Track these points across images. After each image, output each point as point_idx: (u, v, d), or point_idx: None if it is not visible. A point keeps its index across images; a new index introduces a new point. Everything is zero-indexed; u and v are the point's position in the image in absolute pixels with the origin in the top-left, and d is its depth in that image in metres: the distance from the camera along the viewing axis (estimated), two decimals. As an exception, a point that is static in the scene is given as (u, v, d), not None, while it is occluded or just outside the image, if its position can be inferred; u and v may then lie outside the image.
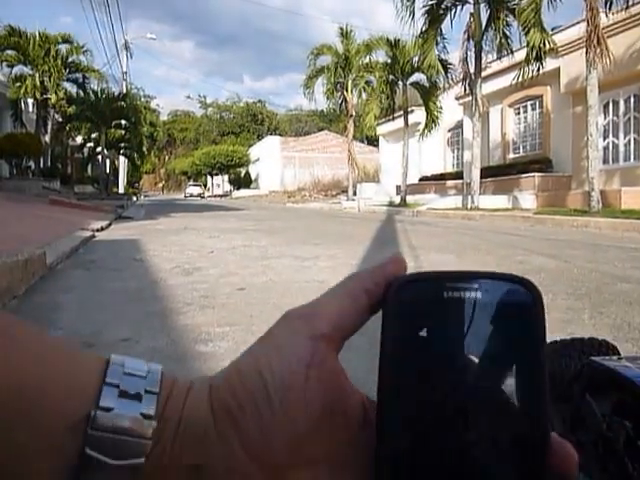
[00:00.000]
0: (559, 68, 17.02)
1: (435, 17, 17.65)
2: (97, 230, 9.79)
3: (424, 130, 22.55)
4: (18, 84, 23.92)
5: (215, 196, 60.28)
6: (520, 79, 15.47)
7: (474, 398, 0.31)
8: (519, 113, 20.74)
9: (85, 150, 33.50)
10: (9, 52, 24.52)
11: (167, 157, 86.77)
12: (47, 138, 26.34)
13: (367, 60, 25.22)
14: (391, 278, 0.34)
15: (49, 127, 26.87)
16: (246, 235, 9.51)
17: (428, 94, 22.42)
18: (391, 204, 23.03)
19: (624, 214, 11.77)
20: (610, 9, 13.22)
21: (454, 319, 0.32)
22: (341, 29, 26.43)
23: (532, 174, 17.48)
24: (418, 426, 0.31)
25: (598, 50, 12.81)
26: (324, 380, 0.31)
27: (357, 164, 27.74)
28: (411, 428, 0.31)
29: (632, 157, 15.53)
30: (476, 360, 0.31)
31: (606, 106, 16.13)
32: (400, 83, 23.51)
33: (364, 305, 0.33)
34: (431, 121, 22.44)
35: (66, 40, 26.15)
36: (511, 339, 0.31)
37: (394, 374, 0.32)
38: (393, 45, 23.25)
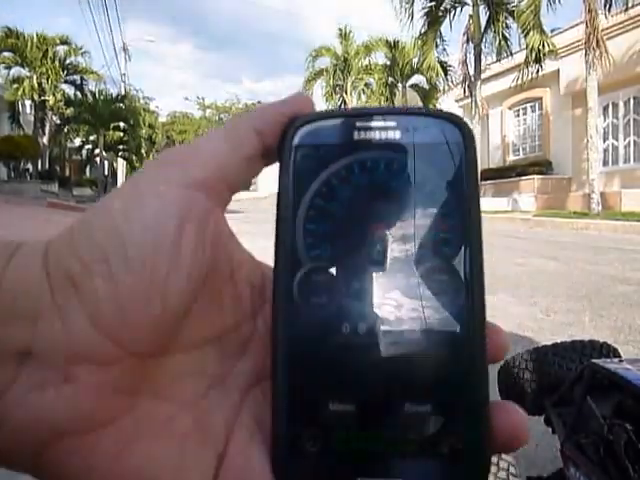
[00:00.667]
0: (558, 70, 16.99)
1: (434, 19, 17.63)
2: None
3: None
4: (15, 86, 23.80)
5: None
6: (519, 81, 15.48)
7: (394, 269, 0.27)
8: (519, 115, 20.70)
9: (83, 152, 33.59)
10: (6, 54, 24.39)
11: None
12: (45, 140, 26.24)
13: (366, 62, 25.20)
14: (289, 117, 0.28)
15: (47, 129, 26.73)
16: (244, 238, 9.43)
17: (427, 96, 22.42)
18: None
19: (624, 216, 11.75)
20: (609, 11, 13.25)
21: (367, 166, 0.28)
22: (340, 30, 26.36)
23: (532, 176, 17.45)
24: (324, 306, 0.27)
25: (597, 52, 12.84)
26: (204, 239, 0.25)
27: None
28: (315, 308, 0.27)
29: (632, 159, 15.50)
30: (398, 220, 0.27)
31: (606, 108, 16.11)
32: (399, 85, 23.52)
33: (254, 149, 0.28)
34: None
35: (64, 42, 26.03)
36: (438, 188, 0.27)
37: (292, 242, 0.27)
38: (392, 46, 23.26)
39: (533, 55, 14.92)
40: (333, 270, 0.27)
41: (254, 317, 0.29)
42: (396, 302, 0.26)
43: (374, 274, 0.27)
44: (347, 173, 0.28)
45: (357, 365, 0.26)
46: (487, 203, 17.11)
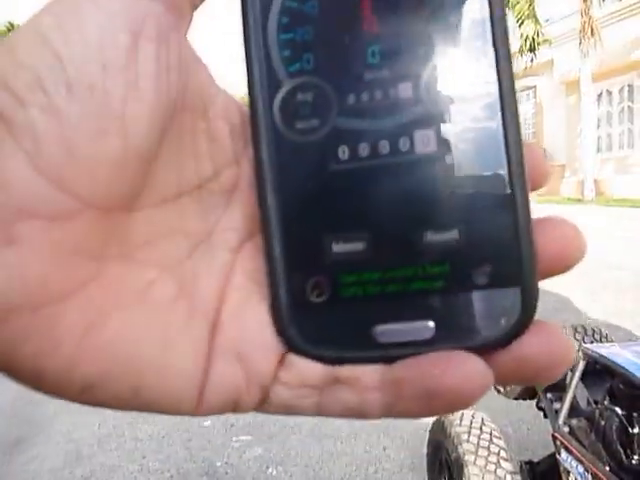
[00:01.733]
0: (552, 59, 16.99)
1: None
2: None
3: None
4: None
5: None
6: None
7: (398, 68, 0.22)
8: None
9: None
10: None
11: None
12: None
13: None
14: None
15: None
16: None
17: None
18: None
19: (617, 202, 11.81)
20: (604, 0, 13.25)
21: None
22: None
23: (525, 164, 17.48)
24: (314, 129, 0.22)
25: (592, 41, 12.84)
26: (167, 60, 0.20)
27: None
28: (303, 133, 0.22)
29: (626, 146, 15.56)
30: (407, 15, 0.22)
31: (600, 96, 16.12)
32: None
33: None
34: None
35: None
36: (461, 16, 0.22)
37: (265, 57, 0.22)
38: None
39: (527, 44, 14.91)
40: (320, 84, 0.22)
41: (237, 161, 0.23)
42: (404, 115, 0.22)
43: (372, 84, 0.22)
44: None
45: (360, 197, 0.22)
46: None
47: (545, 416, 1.87)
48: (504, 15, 0.22)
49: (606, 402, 1.51)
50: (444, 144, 0.21)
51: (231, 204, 0.23)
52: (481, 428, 1.83)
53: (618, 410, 1.46)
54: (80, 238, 0.19)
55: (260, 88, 0.22)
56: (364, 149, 0.22)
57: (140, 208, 0.21)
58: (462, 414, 1.90)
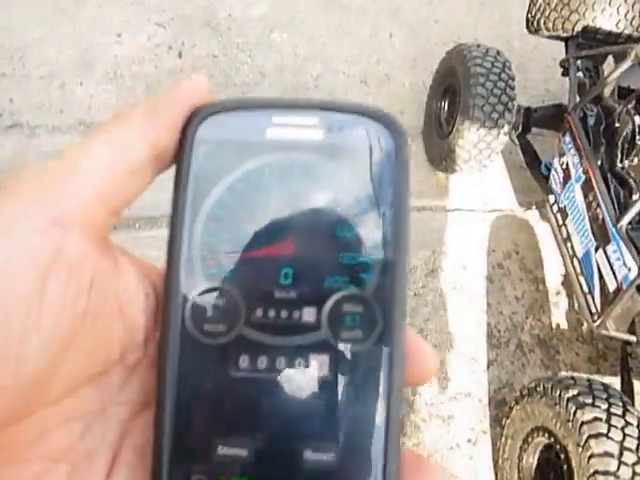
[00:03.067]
0: None
1: None
2: None
3: None
4: None
5: None
6: None
7: (302, 297, 0.24)
8: None
9: None
10: None
11: None
12: None
13: None
14: (185, 111, 0.24)
15: None
16: None
17: None
18: None
19: None
20: None
21: (280, 172, 0.24)
22: None
23: None
24: (219, 334, 0.24)
25: None
26: (79, 288, 0.21)
27: None
28: (208, 336, 0.24)
29: None
30: (313, 239, 0.24)
31: None
32: None
33: (142, 158, 0.23)
34: None
35: None
36: (361, 206, 0.24)
37: (186, 257, 0.24)
38: None
39: None
40: (233, 292, 0.24)
41: (146, 342, 0.25)
42: (304, 338, 0.24)
43: (280, 301, 0.24)
44: (256, 179, 0.24)
45: (252, 406, 0.23)
46: None
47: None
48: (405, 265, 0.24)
49: (630, 105, 1.53)
50: (336, 373, 0.23)
51: (131, 379, 0.25)
52: (495, 58, 1.84)
53: (637, 119, 1.50)
54: None
55: (177, 283, 0.24)
56: (262, 362, 0.24)
57: (34, 412, 0.22)
58: (479, 46, 1.88)
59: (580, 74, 1.76)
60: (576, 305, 1.76)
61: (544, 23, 1.89)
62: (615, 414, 1.10)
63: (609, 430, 1.08)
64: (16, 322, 0.19)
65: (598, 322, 1.38)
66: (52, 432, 0.22)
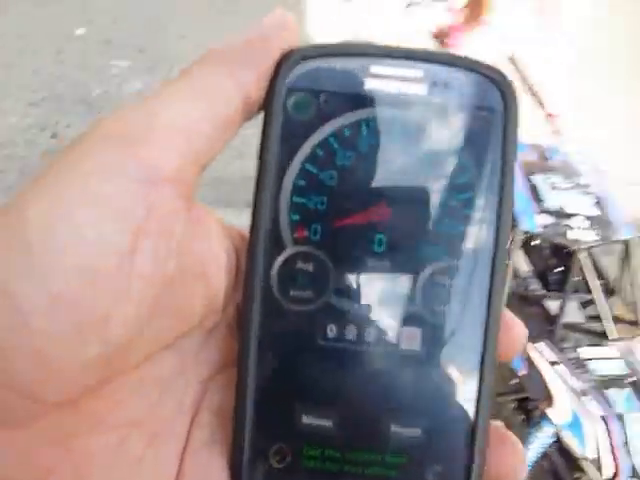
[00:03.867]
0: None
1: None
2: None
3: None
4: None
5: None
6: None
7: (398, 267, 0.23)
8: None
9: None
10: None
11: None
12: None
13: None
14: (275, 54, 0.22)
15: None
16: None
17: None
18: None
19: None
20: None
21: (378, 129, 0.23)
22: None
23: None
24: (306, 301, 0.23)
25: None
26: (167, 251, 0.20)
27: None
28: (294, 303, 0.23)
29: None
30: (411, 204, 0.23)
31: None
32: None
33: (233, 108, 0.21)
34: None
35: None
36: (465, 170, 0.23)
37: (273, 218, 0.23)
38: None
39: None
40: (322, 258, 0.23)
41: (225, 306, 0.24)
42: (395, 310, 0.23)
43: (373, 271, 0.23)
44: (351, 135, 0.23)
45: (339, 376, 0.23)
46: None
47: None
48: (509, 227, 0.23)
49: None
50: (427, 346, 0.23)
51: (209, 340, 0.24)
52: None
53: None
54: (42, 434, 0.19)
55: (262, 245, 0.23)
56: (351, 332, 0.23)
57: (114, 379, 0.20)
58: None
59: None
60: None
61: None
62: None
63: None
64: (107, 283, 0.18)
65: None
66: (130, 398, 0.22)
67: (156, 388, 0.22)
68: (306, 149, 0.22)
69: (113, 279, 0.18)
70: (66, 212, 0.18)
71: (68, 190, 0.18)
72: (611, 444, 1.15)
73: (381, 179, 0.23)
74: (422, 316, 0.23)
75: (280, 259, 0.22)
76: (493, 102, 0.23)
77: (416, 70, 0.23)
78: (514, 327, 0.24)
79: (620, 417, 1.17)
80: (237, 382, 0.22)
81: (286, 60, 0.22)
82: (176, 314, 0.21)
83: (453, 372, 0.23)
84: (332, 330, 0.22)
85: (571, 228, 1.39)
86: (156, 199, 0.19)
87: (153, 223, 0.19)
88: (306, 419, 0.22)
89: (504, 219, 0.23)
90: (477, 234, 0.23)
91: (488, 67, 0.23)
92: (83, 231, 0.18)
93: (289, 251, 0.22)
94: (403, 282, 0.23)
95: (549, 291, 1.49)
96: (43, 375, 0.18)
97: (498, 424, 0.24)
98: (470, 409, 0.23)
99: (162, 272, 0.20)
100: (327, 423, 0.22)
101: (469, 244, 0.23)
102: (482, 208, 0.23)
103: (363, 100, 0.23)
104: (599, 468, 1.15)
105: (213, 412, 0.23)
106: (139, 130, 0.20)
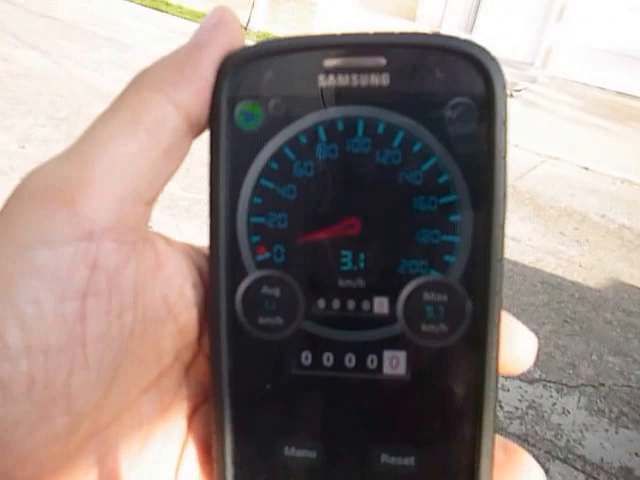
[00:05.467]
0: None
1: None
2: None
3: None
4: None
5: None
6: None
7: (372, 284, 0.20)
8: None
9: None
10: None
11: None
12: None
13: None
14: (213, 62, 0.20)
15: None
16: None
17: None
18: None
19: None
20: None
21: (338, 132, 0.20)
22: None
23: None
24: (277, 328, 0.21)
25: None
26: (118, 306, 0.18)
27: None
28: (264, 330, 0.21)
29: None
30: (380, 213, 0.20)
31: None
32: None
33: (176, 133, 0.19)
34: None
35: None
36: (443, 169, 0.20)
37: (231, 243, 0.20)
38: None
39: None
40: (289, 280, 0.20)
41: (200, 337, 0.22)
42: (376, 332, 0.20)
43: (346, 290, 0.20)
44: (309, 142, 0.20)
45: (319, 405, 0.21)
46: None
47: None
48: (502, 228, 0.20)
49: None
50: (414, 369, 0.20)
51: (188, 374, 0.22)
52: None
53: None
54: None
55: (223, 273, 0.20)
56: (328, 358, 0.20)
57: (88, 440, 0.19)
58: None
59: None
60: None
61: None
62: None
63: None
64: (60, 357, 0.17)
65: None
66: (110, 452, 0.20)
67: (138, 437, 0.21)
68: (259, 163, 0.20)
69: (65, 351, 0.17)
70: (2, 291, 0.16)
71: (3, 257, 0.17)
72: None
73: (348, 188, 0.20)
74: (406, 337, 0.20)
75: (243, 286, 0.20)
76: (473, 86, 0.19)
77: (376, 58, 0.19)
78: (519, 338, 0.21)
79: None
80: (213, 419, 0.21)
81: (225, 67, 0.20)
82: (145, 361, 0.20)
83: (446, 394, 0.20)
84: (307, 358, 0.21)
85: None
86: (99, 255, 0.18)
87: (100, 281, 0.18)
88: (288, 451, 0.21)
89: (495, 232, 0.19)
90: (463, 241, 0.20)
91: (465, 44, 0.19)
92: (23, 309, 0.16)
93: (252, 276, 0.20)
94: (382, 301, 0.20)
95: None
96: (11, 462, 0.17)
97: (503, 440, 0.21)
98: (469, 430, 0.20)
99: (119, 328, 0.18)
100: (311, 454, 0.21)
101: (455, 254, 0.20)
102: (469, 207, 0.19)
103: (318, 101, 0.20)
104: None
105: (200, 446, 0.22)
106: (71, 183, 0.18)
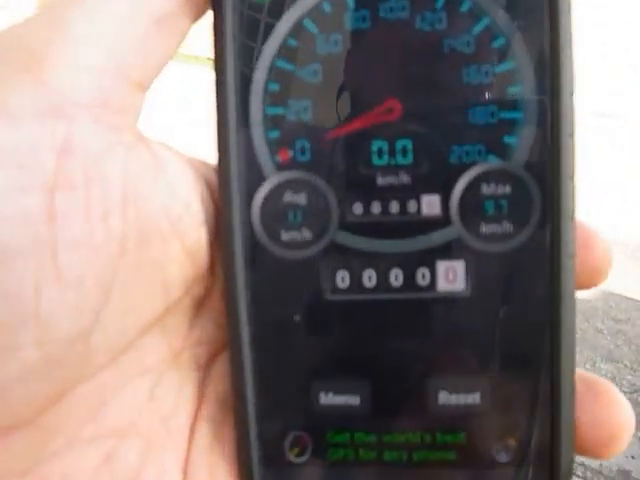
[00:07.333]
0: None
1: None
2: None
3: None
4: None
5: None
6: None
7: (417, 177, 0.17)
8: None
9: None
10: None
11: None
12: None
13: None
14: None
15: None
16: None
17: None
18: None
19: None
20: None
21: None
22: None
23: None
24: (304, 243, 0.17)
25: None
26: (101, 208, 0.15)
27: None
28: (290, 246, 0.17)
29: None
30: (427, 94, 0.17)
31: None
32: None
33: (175, 10, 0.16)
34: None
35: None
36: (504, 34, 0.17)
37: (245, 140, 0.17)
38: None
39: None
40: (318, 183, 0.17)
41: (213, 263, 0.18)
42: (426, 239, 0.17)
43: (389, 191, 0.17)
44: (334, 9, 0.17)
45: (361, 338, 0.18)
46: None
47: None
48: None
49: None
50: (474, 283, 0.17)
51: (201, 314, 0.19)
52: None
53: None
54: (2, 464, 0.15)
55: (237, 181, 0.17)
56: (370, 278, 0.17)
57: (85, 378, 0.16)
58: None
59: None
60: None
61: None
62: None
63: None
64: (25, 263, 0.14)
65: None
66: (113, 398, 0.17)
67: (143, 385, 0.18)
68: (275, 41, 0.17)
69: (29, 258, 0.14)
70: None
71: None
72: None
73: (384, 64, 0.17)
74: (464, 243, 0.17)
75: (261, 194, 0.17)
76: None
77: None
78: (596, 245, 0.18)
79: None
80: (230, 364, 0.17)
81: None
82: (146, 288, 0.16)
83: (516, 311, 0.17)
84: (343, 279, 0.17)
85: None
86: (70, 136, 0.14)
87: (73, 171, 0.14)
88: (325, 399, 0.17)
89: (564, 101, 0.16)
90: (526, 120, 0.17)
91: None
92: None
93: (271, 181, 0.17)
94: (434, 199, 0.17)
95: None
96: None
97: (581, 372, 0.18)
98: (546, 356, 0.17)
99: (103, 236, 0.15)
100: (353, 400, 0.17)
101: (517, 134, 0.17)
102: (531, 78, 0.16)
103: None
104: None
105: (218, 402, 0.18)
106: (37, 46, 0.14)
